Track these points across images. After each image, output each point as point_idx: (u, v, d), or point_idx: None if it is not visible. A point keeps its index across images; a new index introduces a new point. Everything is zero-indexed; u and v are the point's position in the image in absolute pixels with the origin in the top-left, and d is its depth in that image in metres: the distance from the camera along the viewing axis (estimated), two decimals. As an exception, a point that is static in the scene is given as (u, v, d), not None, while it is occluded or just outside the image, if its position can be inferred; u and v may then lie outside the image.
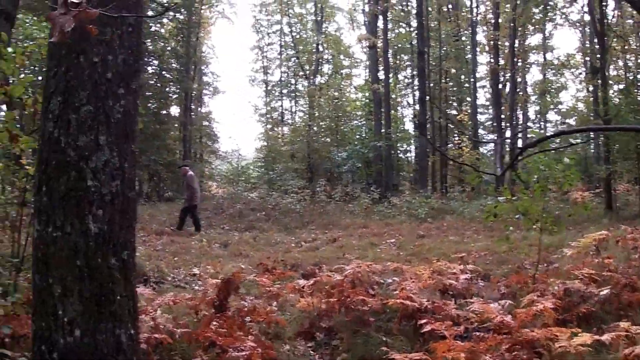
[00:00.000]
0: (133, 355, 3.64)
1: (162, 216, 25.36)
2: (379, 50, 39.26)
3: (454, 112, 47.22)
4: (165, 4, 33.76)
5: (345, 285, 8.32)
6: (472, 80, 43.82)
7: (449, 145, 45.45)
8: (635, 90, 29.35)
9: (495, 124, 41.02)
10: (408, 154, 47.49)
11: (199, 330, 6.33)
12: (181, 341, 6.42)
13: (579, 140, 23.49)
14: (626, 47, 33.34)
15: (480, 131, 45.70)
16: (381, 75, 38.92)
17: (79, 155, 3.54)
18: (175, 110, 44.49)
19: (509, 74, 38.34)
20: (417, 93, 45.17)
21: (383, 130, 35.72)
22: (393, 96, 41.70)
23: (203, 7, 46.08)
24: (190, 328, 6.78)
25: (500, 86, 39.88)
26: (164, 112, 40.75)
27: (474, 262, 12.26)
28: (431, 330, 6.49)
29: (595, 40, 29.95)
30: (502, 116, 39.16)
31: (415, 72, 45.06)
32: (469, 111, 44.22)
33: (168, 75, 41.07)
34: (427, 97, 35.86)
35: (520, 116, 45.35)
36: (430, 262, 12.82)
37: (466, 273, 9.47)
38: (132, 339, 3.62)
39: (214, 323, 6.68)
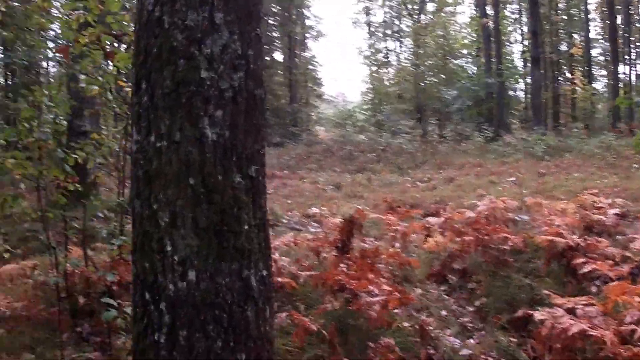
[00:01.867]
0: (266, 303, 2.70)
1: (272, 160, 24.81)
2: (486, -17, 37.31)
3: (564, 47, 44.81)
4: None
5: (481, 222, 7.37)
6: (583, 12, 41.48)
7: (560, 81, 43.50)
8: None
9: (608, 59, 38.85)
10: (518, 92, 45.85)
11: (327, 273, 5.52)
12: (306, 285, 5.71)
13: None
14: None
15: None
16: (489, 10, 37.07)
17: (189, 39, 2.58)
18: (279, 56, 44.11)
19: (622, 5, 35.84)
20: (524, 29, 43.41)
21: (494, 67, 34.13)
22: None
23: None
24: (315, 271, 6.05)
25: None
26: (267, 57, 39.83)
27: (607, 199, 11.17)
28: (589, 271, 5.54)
29: None
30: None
31: (521, 7, 43.19)
32: (582, 45, 41.79)
33: (270, 21, 40.33)
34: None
35: (633, 51, 42.59)
36: (558, 198, 12.01)
37: (615, 207, 8.31)
38: (264, 283, 2.65)
39: (341, 265, 5.90)
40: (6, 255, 6.88)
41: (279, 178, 19.39)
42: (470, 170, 19.79)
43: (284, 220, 11.66)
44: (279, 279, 5.60)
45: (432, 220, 8.22)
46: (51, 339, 4.99)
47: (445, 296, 6.32)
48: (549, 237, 6.26)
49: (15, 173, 5.34)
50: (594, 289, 5.54)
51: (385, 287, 5.20)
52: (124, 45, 5.78)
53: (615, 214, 7.92)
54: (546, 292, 5.28)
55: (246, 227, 2.59)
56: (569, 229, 7.22)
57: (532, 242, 6.60)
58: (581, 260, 5.74)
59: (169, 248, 2.51)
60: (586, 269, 5.54)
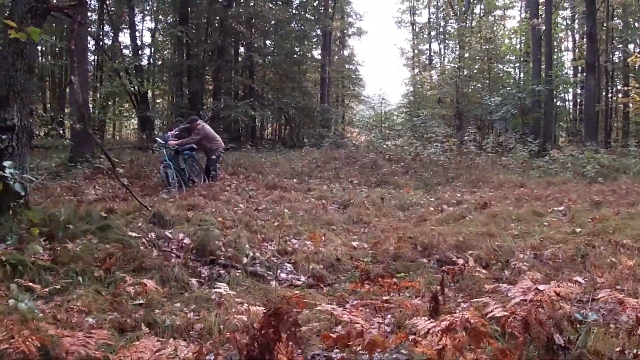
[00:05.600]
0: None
1: (283, 166, 21.18)
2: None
3: (616, 57, 40.51)
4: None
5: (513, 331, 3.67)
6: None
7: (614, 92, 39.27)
8: None
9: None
10: (567, 103, 41.76)
11: None
12: None
13: None
14: None
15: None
16: (541, 12, 32.84)
17: None
18: (318, 53, 40.76)
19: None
20: (577, 36, 39.42)
21: (542, 74, 30.08)
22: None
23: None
24: None
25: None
26: (299, 51, 36.75)
27: None
28: None
29: None
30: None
31: (574, 13, 39.48)
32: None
33: (308, 16, 36.96)
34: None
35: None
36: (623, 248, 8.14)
37: None
38: None
39: None
40: None
41: (282, 189, 15.75)
42: (509, 191, 15.85)
43: (246, 259, 8.05)
44: None
45: (421, 323, 4.22)
46: None
47: None
48: None
49: None
50: None
51: None
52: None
53: None
54: None
55: None
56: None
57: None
58: None
59: None
60: None
